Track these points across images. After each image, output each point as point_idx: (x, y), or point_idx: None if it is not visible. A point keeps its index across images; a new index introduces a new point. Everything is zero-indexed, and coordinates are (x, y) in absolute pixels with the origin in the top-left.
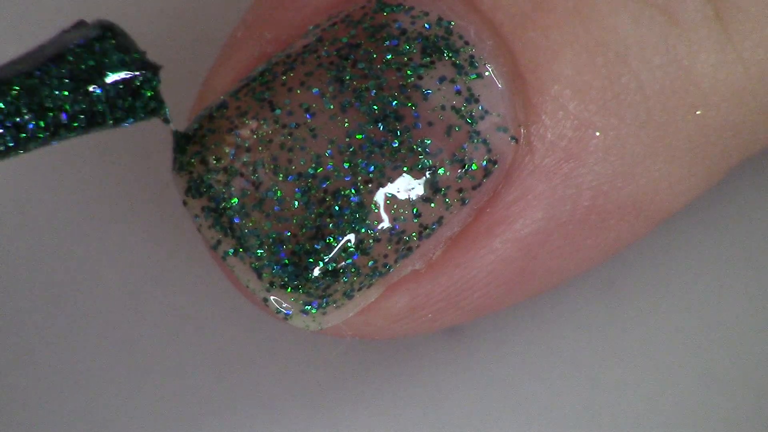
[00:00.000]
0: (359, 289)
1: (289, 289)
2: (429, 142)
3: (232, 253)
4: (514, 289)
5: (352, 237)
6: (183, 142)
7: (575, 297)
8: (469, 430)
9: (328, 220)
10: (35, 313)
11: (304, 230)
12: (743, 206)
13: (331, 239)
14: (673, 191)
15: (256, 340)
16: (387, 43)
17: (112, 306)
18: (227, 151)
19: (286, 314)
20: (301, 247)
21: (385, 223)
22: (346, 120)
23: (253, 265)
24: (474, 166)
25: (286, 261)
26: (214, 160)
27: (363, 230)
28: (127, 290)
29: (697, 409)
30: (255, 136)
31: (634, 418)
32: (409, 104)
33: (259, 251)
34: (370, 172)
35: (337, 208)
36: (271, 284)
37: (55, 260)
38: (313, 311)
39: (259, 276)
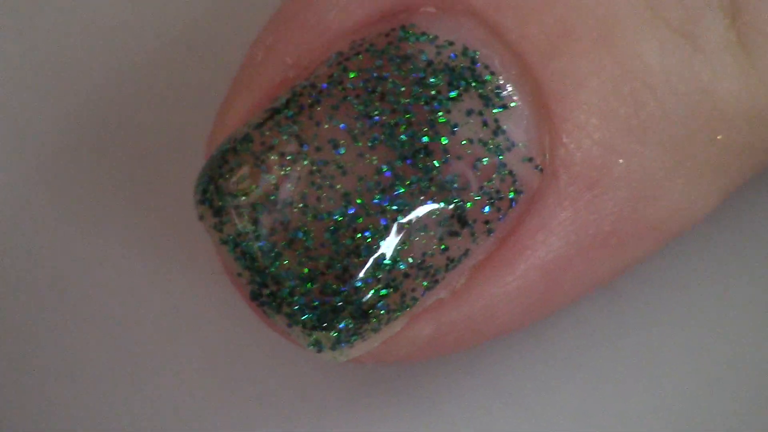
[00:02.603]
0: (386, 323)
1: (318, 331)
2: (458, 177)
3: (264, 294)
4: (534, 314)
5: (381, 276)
6: (209, 175)
7: None
8: (468, 430)
9: (357, 259)
10: (35, 313)
11: (331, 270)
12: (744, 206)
13: (360, 280)
14: (690, 210)
15: (256, 340)
16: (413, 75)
17: (111, 306)
18: (254, 187)
19: (317, 350)
20: (329, 287)
21: (414, 260)
22: (375, 157)
23: (283, 306)
24: (501, 198)
25: (316, 303)
26: (243, 196)
27: (393, 268)
28: (126, 290)
29: (698, 410)
30: (283, 173)
31: (635, 419)
32: (439, 139)
33: (288, 295)
34: (400, 210)
35: (365, 247)
36: (302, 324)
37: (55, 260)
38: (342, 347)
39: (289, 317)
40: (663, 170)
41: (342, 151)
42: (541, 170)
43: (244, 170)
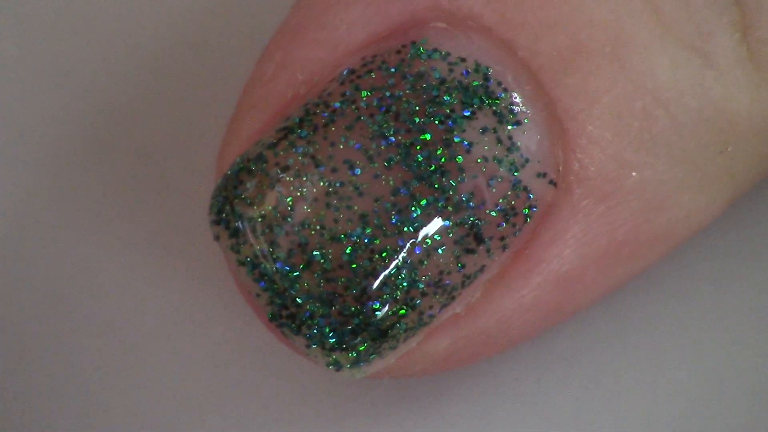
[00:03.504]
0: (404, 341)
1: (337, 352)
2: (473, 195)
3: (283, 316)
4: (546, 325)
5: (399, 297)
6: (224, 195)
7: None
8: (467, 429)
9: (375, 281)
10: (35, 314)
11: (350, 291)
12: (745, 204)
13: (379, 301)
14: (700, 217)
15: (256, 342)
16: (427, 93)
17: (111, 307)
18: (270, 208)
19: (336, 369)
20: (348, 309)
21: (432, 279)
22: (391, 177)
23: (302, 328)
24: (516, 214)
25: (335, 324)
26: (259, 217)
27: (410, 288)
28: (126, 291)
29: (698, 410)
30: (298, 193)
31: (635, 419)
32: (454, 158)
33: (309, 317)
34: (417, 231)
35: (382, 267)
36: (321, 346)
37: (56, 261)
38: (361, 365)
39: (309, 338)
40: (674, 181)
41: (358, 171)
42: (555, 185)
43: (259, 191)
